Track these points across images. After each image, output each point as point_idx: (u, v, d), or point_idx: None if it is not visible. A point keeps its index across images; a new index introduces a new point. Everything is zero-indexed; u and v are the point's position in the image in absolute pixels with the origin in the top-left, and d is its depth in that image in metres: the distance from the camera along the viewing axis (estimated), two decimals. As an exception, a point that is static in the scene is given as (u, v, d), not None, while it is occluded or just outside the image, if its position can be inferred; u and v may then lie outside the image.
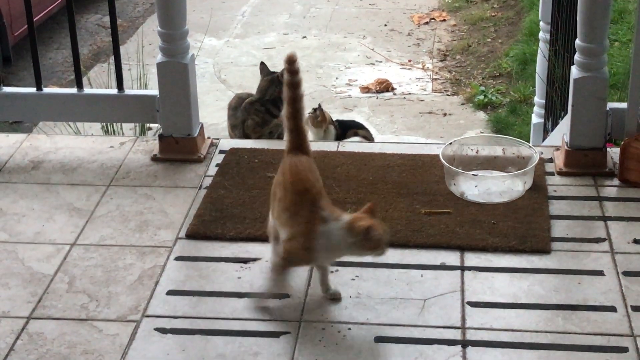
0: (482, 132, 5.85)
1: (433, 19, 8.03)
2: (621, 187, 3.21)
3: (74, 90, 3.58)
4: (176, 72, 3.37)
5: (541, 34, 4.87)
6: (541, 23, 4.88)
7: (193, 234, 3.00)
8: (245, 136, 4.10)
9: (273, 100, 4.05)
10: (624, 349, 2.46)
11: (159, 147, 3.48)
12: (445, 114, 6.25)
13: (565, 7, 4.30)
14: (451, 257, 2.86)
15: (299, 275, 2.78)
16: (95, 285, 2.77)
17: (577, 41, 3.22)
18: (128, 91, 3.56)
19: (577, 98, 3.24)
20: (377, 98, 6.54)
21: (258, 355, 2.47)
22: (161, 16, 3.35)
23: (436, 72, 6.93)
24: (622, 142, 3.24)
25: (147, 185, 3.30)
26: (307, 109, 6.20)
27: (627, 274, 2.75)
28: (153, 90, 3.51)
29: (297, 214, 2.52)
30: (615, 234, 2.95)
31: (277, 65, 7.20)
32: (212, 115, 6.12)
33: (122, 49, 7.14)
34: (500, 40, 7.37)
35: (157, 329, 2.57)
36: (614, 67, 5.94)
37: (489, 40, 7.43)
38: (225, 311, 2.64)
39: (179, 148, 3.45)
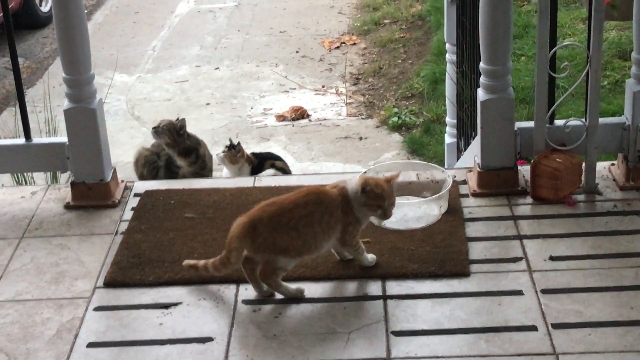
0: (397, 154, 5.90)
1: (343, 43, 8.10)
2: (534, 205, 3.27)
3: (-21, 142, 3.50)
4: (84, 118, 3.32)
5: (448, 56, 4.95)
6: (447, 45, 4.96)
7: (111, 282, 2.95)
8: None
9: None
10: (547, 368, 2.49)
11: (72, 194, 3.42)
12: (361, 138, 6.29)
13: (468, 30, 4.38)
14: (373, 287, 2.87)
15: (223, 317, 2.76)
16: (12, 342, 2.70)
17: (481, 64, 3.27)
18: (36, 140, 3.49)
19: (485, 120, 3.30)
20: (293, 126, 6.56)
21: (184, 403, 2.44)
22: (65, 62, 3.29)
23: (350, 96, 6.99)
24: (532, 160, 3.30)
25: (62, 235, 3.24)
26: (223, 141, 6.18)
27: (545, 291, 2.80)
28: (62, 138, 3.44)
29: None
30: (531, 252, 3.00)
31: (191, 98, 7.22)
32: (128, 153, 6.03)
33: (31, 91, 7.13)
34: (410, 61, 7.47)
35: (79, 385, 2.52)
36: (522, 82, 6.07)
37: (400, 61, 7.52)
38: (148, 360, 2.60)
39: (92, 194, 3.39)
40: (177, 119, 4.15)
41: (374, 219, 3.02)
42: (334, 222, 2.81)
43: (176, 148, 3.97)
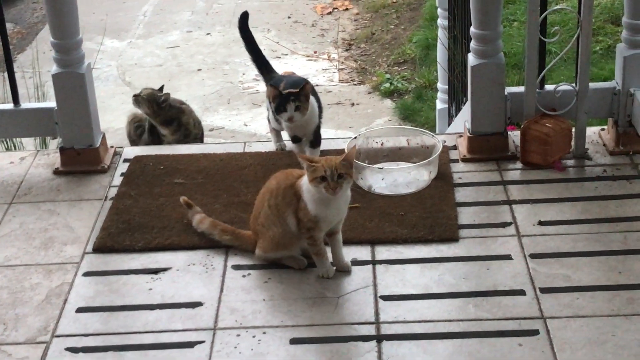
0: (389, 120, 5.89)
1: (336, 8, 8.04)
2: (524, 170, 3.27)
3: (-33, 108, 3.48)
4: (73, 83, 3.30)
5: (439, 21, 4.93)
6: (439, 10, 4.94)
7: (100, 248, 2.95)
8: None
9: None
10: (535, 332, 2.50)
11: (61, 160, 3.41)
12: (353, 104, 6.27)
13: (460, -6, 4.35)
14: (362, 252, 2.87)
15: (212, 283, 2.76)
16: (1, 308, 2.70)
17: (472, 29, 3.26)
18: (24, 105, 3.47)
19: (476, 85, 3.29)
20: (284, 92, 6.52)
21: (173, 367, 2.45)
22: (53, 26, 3.27)
23: (342, 62, 6.95)
24: (522, 125, 3.29)
25: (51, 200, 3.23)
26: (215, 108, 6.15)
27: (533, 256, 2.80)
28: (51, 103, 3.42)
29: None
30: (520, 217, 3.00)
31: (182, 63, 7.18)
32: (119, 119, 5.98)
33: (21, 57, 7.08)
34: (402, 27, 7.43)
35: (68, 349, 2.52)
36: (514, 47, 6.05)
37: (392, 27, 7.48)
38: (137, 325, 2.61)
39: (81, 159, 3.38)
40: (161, 89, 4.09)
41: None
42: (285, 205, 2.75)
43: (157, 118, 3.94)
